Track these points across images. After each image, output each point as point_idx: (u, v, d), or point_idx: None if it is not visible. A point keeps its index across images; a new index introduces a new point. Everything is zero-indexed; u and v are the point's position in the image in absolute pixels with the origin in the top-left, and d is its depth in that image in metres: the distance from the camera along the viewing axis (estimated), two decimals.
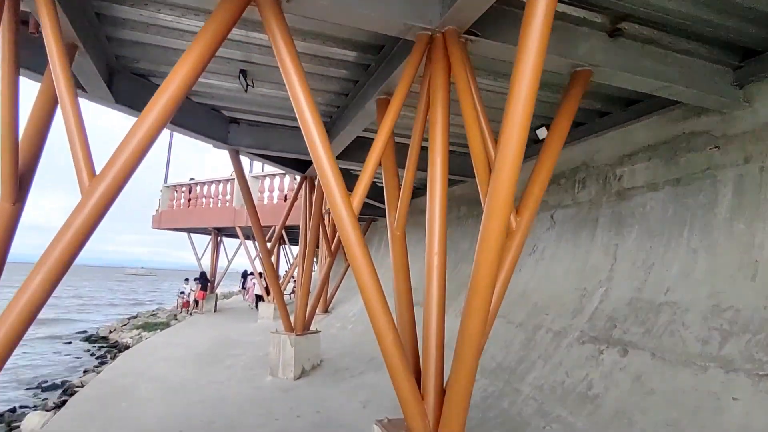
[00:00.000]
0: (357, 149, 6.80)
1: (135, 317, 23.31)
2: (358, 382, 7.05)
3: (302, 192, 8.61)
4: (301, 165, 8.14)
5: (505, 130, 2.44)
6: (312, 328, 8.12)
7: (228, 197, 18.06)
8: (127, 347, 15.42)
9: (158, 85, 2.74)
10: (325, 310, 12.66)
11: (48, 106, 3.17)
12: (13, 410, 8.64)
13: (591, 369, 4.38)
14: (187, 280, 19.92)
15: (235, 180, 18.08)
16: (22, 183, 2.98)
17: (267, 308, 16.05)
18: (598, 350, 4.49)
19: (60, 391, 10.04)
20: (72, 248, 2.41)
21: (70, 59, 3.47)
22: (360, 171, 3.29)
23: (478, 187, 2.90)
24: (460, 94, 3.07)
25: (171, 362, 9.05)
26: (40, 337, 17.68)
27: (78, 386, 9.98)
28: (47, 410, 8.40)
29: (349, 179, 9.87)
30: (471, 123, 3.00)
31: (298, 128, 7.05)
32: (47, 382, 10.98)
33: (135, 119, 2.65)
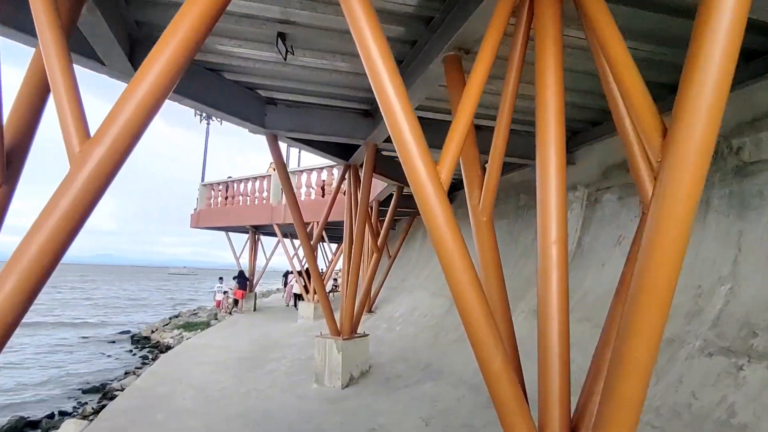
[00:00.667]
0: None
1: (177, 316, 23.36)
2: (414, 394, 6.25)
3: (345, 183, 7.89)
4: (345, 151, 7.40)
5: (690, 76, 1.57)
6: (358, 330, 7.39)
7: (265, 194, 17.61)
8: (168, 347, 15.21)
9: None
10: (369, 310, 11.94)
11: (43, 73, 2.50)
12: (51, 416, 8.31)
13: (729, 389, 3.42)
14: (221, 279, 19.65)
15: (272, 176, 17.62)
16: (11, 162, 2.32)
17: (307, 307, 15.51)
18: (736, 365, 3.52)
19: (100, 395, 9.71)
20: (60, 236, 1.70)
21: (71, 11, 2.81)
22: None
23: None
24: (597, 31, 2.16)
25: (210, 367, 8.53)
26: (86, 339, 17.79)
27: (118, 390, 9.64)
28: (85, 417, 8.03)
29: (398, 168, 9.00)
30: (624, 70, 2.07)
31: (341, 109, 6.30)
32: (88, 384, 10.72)
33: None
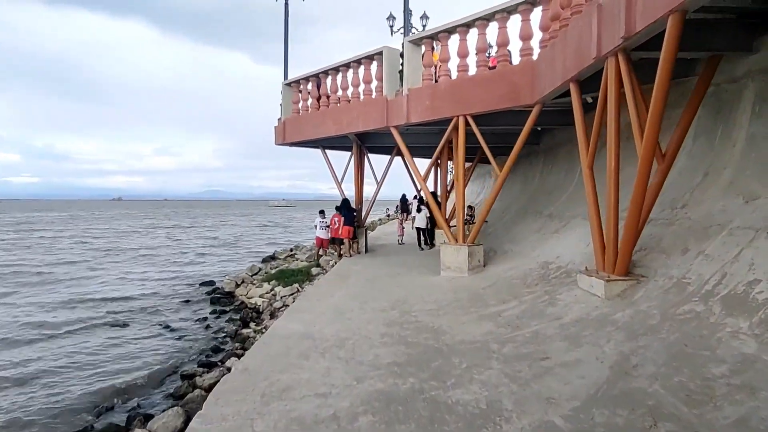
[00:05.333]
0: None
1: (272, 258, 19.16)
2: None
3: None
4: None
5: None
6: None
7: (375, 84, 11.50)
8: (256, 311, 10.56)
9: None
10: (627, 272, 5.72)
11: None
12: None
13: None
14: (322, 212, 14.28)
15: (384, 52, 11.38)
16: None
17: (455, 253, 9.79)
18: None
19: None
20: None
21: None
22: None
23: None
24: None
25: None
26: (156, 294, 13.87)
27: None
28: None
29: None
30: None
31: None
32: (111, 412, 6.01)
33: None
